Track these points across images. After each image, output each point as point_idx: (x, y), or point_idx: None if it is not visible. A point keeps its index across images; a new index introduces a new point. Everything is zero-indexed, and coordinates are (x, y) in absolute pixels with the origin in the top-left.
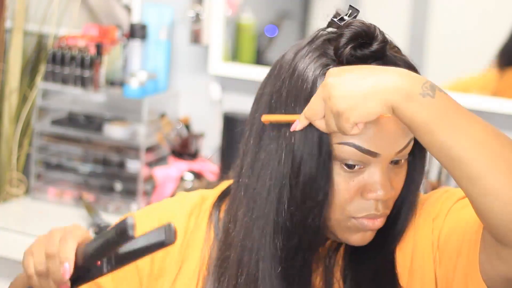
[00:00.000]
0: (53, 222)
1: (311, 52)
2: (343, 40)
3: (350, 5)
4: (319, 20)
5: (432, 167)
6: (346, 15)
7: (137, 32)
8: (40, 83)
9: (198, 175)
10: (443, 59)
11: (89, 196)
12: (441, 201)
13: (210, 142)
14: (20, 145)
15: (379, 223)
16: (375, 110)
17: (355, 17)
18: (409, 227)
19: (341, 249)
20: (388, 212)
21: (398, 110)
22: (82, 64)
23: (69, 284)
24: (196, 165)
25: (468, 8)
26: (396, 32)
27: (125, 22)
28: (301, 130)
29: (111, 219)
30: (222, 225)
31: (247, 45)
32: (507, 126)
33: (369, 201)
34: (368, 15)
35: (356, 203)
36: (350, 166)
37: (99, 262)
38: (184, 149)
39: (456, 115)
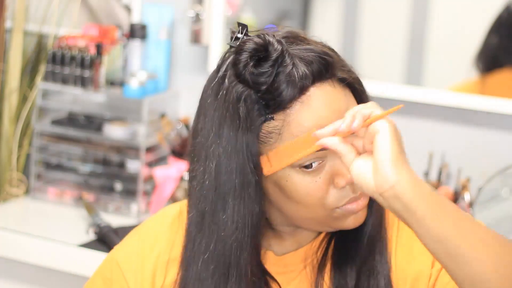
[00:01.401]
0: (53, 222)
1: (220, 81)
2: (241, 65)
3: (237, 22)
4: (319, 20)
5: (432, 167)
6: (238, 32)
7: (137, 32)
8: (40, 83)
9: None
10: (443, 59)
11: (89, 196)
12: None
13: None
14: (20, 145)
15: (363, 201)
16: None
17: (246, 31)
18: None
19: (329, 252)
20: (366, 195)
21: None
22: (82, 64)
23: None
24: None
25: (468, 9)
26: (396, 32)
27: (125, 22)
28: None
29: (111, 219)
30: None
31: None
32: (504, 125)
33: (344, 188)
34: (368, 16)
35: (332, 194)
36: (308, 166)
37: None
38: (184, 149)
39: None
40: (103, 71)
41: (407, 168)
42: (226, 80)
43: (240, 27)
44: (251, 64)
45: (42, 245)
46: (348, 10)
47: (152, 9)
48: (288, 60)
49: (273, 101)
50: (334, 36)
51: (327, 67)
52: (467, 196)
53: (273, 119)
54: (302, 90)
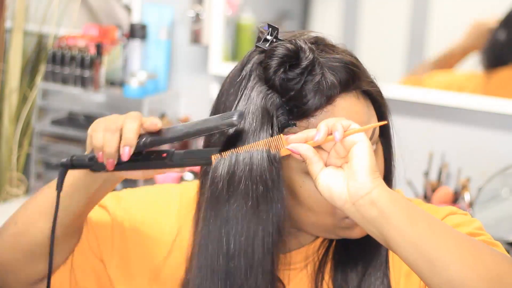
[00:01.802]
0: None
1: (245, 80)
2: (271, 70)
3: (268, 24)
4: (319, 21)
5: (432, 168)
6: (268, 34)
7: (137, 32)
8: (40, 83)
9: (198, 175)
10: None
11: None
12: None
13: None
14: (20, 145)
15: None
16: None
17: (276, 34)
18: None
19: (330, 252)
20: None
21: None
22: (82, 64)
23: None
24: None
25: (468, 9)
26: (396, 32)
27: (125, 22)
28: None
29: None
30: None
31: (247, 45)
32: (504, 125)
33: None
34: (368, 16)
35: None
36: None
37: (165, 154)
38: (184, 149)
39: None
40: (103, 71)
41: (380, 178)
42: (252, 81)
43: (271, 29)
44: (282, 70)
45: None
46: (348, 10)
47: (152, 9)
48: (317, 69)
49: (298, 108)
50: (334, 36)
51: (354, 78)
52: (467, 196)
53: (295, 126)
54: (328, 100)
